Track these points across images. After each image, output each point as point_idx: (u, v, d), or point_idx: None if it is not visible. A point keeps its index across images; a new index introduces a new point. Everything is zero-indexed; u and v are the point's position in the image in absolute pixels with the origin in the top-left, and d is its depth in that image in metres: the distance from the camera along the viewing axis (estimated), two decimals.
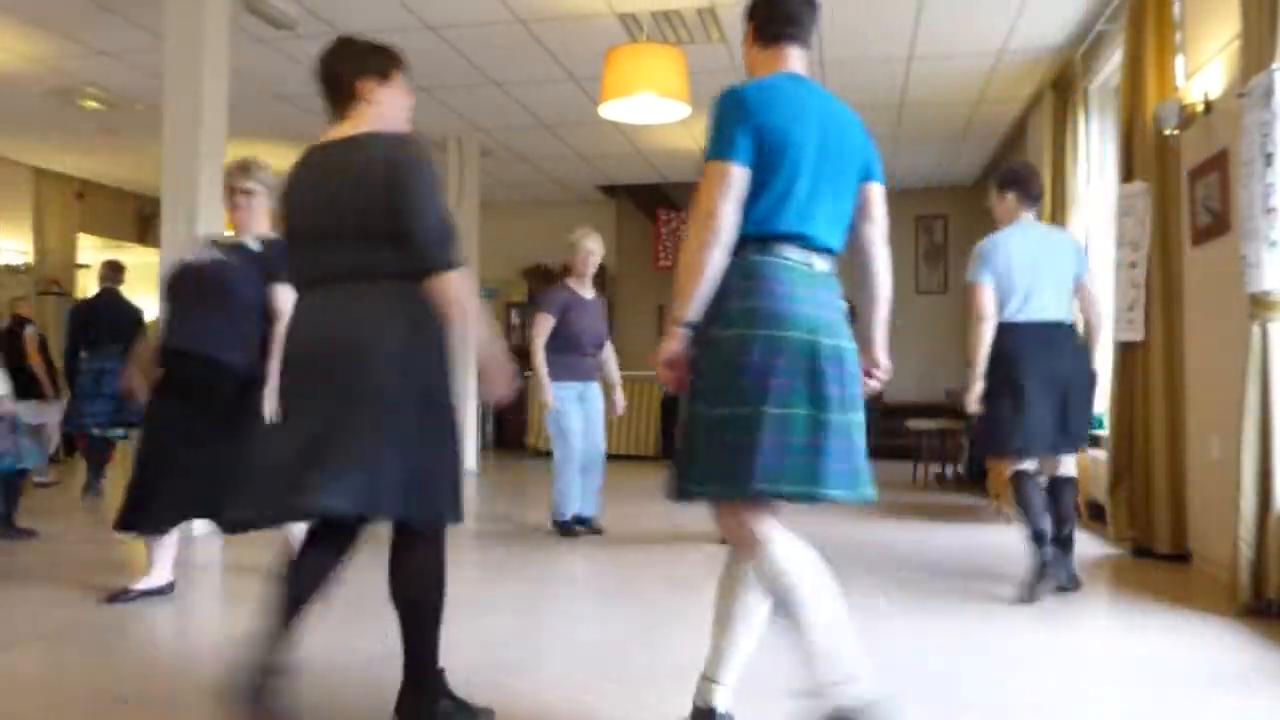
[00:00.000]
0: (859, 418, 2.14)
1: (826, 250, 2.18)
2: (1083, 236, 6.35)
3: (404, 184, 2.20)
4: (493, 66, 6.97)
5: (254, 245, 3.95)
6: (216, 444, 3.47)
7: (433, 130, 8.67)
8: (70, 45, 6.53)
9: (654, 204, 11.44)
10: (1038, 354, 3.81)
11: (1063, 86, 6.58)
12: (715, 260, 2.08)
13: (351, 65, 2.42)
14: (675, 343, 2.09)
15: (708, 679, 2.31)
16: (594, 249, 5.35)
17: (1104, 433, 5.26)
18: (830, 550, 4.89)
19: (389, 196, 2.19)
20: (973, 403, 3.90)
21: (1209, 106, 4.28)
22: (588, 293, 5.39)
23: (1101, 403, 4.76)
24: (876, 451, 7.97)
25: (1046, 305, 3.86)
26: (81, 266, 10.82)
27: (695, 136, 8.90)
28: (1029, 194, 4.02)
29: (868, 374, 2.32)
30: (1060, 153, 6.51)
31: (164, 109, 5.40)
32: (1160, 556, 4.50)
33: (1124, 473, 4.86)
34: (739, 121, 2.19)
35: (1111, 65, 5.92)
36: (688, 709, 2.39)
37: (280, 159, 11.16)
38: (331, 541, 2.29)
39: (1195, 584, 4.06)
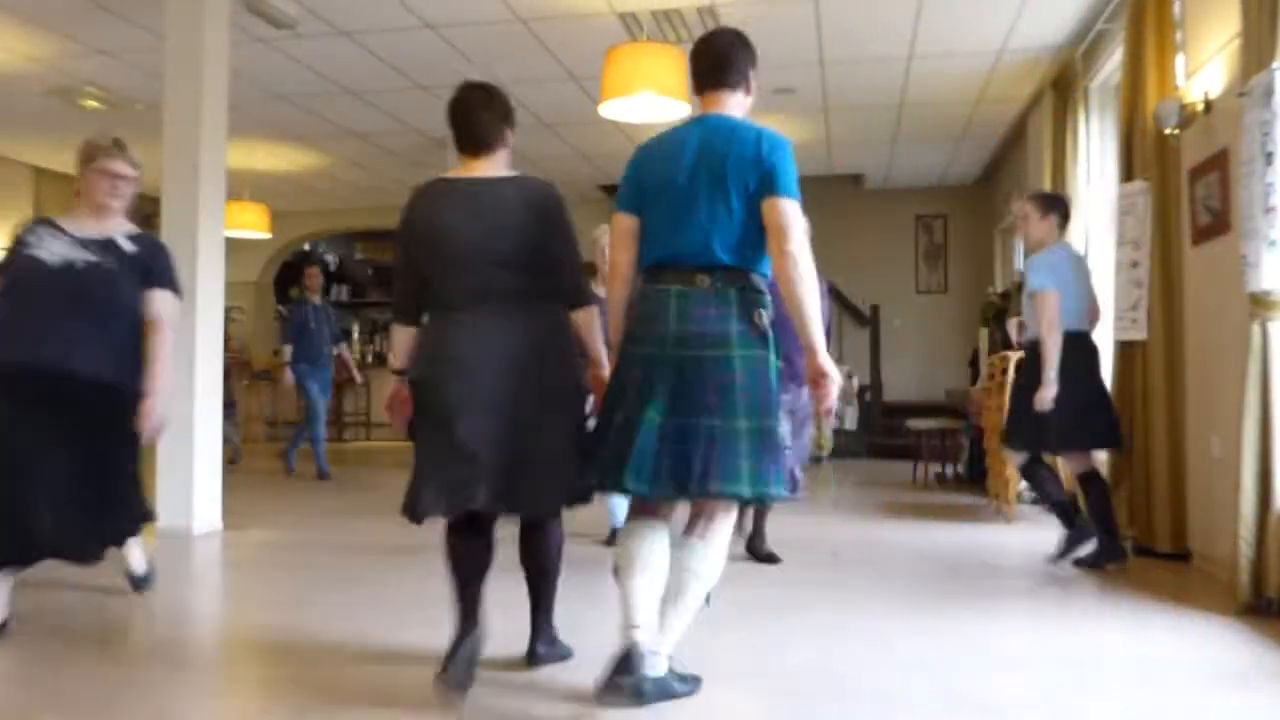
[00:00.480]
0: (733, 423, 2.34)
1: (710, 266, 2.43)
2: (1083, 236, 6.36)
3: (559, 223, 2.66)
4: (493, 65, 6.96)
5: (128, 245, 3.33)
6: (73, 473, 3.15)
7: (433, 129, 8.67)
8: (70, 45, 6.53)
9: None
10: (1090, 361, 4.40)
11: (1063, 86, 6.58)
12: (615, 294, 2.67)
13: (500, 115, 2.85)
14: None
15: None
16: None
17: None
18: (829, 547, 4.91)
19: (547, 232, 2.60)
20: (1048, 402, 4.22)
21: (1209, 105, 4.28)
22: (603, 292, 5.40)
23: None
24: (877, 451, 7.98)
25: (1082, 317, 4.41)
26: None
27: None
28: (1067, 219, 4.61)
29: (813, 383, 2.42)
30: (1060, 152, 6.51)
31: (164, 109, 5.40)
32: (1160, 555, 4.50)
33: (1124, 472, 4.86)
34: (624, 177, 2.66)
35: (1112, 64, 5.91)
36: (687, 711, 2.39)
37: (280, 159, 11.22)
38: (478, 529, 2.68)
39: (1195, 583, 4.06)
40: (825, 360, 2.40)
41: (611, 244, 2.63)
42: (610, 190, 11.38)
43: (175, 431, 5.28)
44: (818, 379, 2.40)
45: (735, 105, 2.71)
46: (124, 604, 3.63)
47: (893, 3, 5.86)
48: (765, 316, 2.44)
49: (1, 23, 6.16)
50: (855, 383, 10.17)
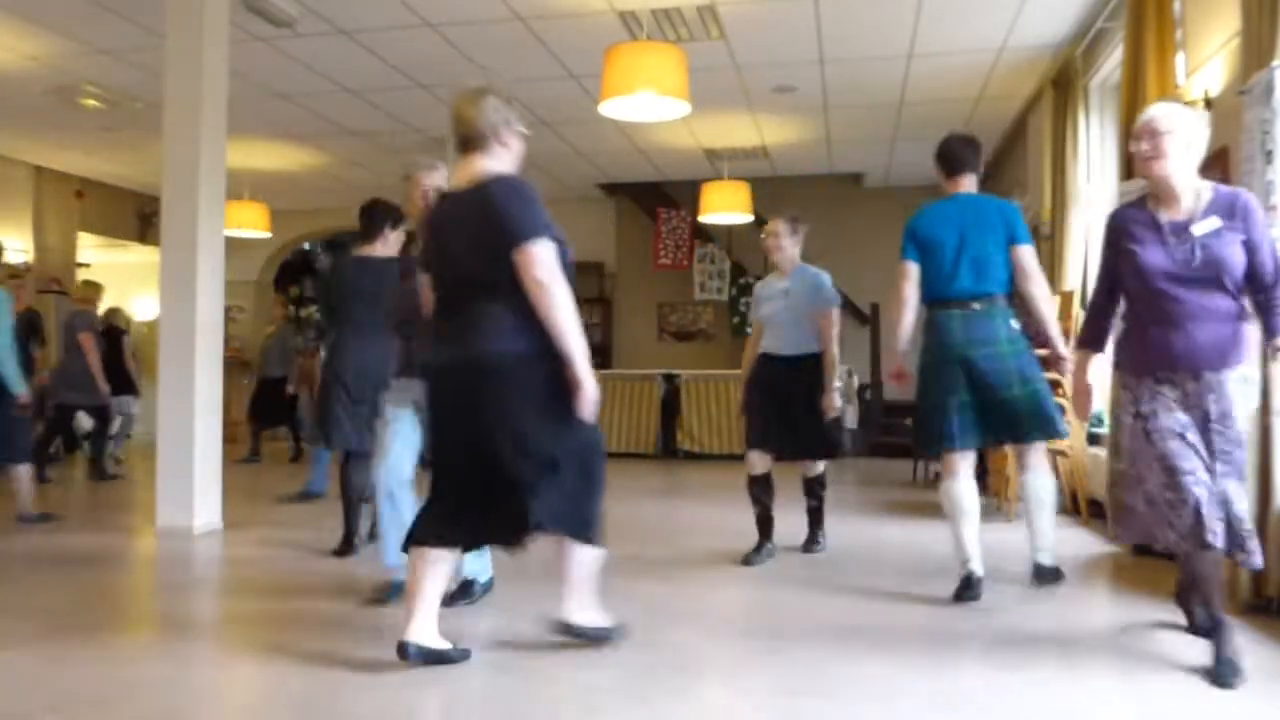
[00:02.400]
0: (1025, 389, 3.71)
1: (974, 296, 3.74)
2: (1083, 235, 6.35)
3: None
4: (493, 64, 6.96)
5: None
6: None
7: (433, 129, 8.67)
8: (70, 44, 6.53)
9: (654, 202, 11.44)
10: None
11: (1063, 84, 6.58)
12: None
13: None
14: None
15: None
16: None
17: (1104, 431, 5.26)
18: (830, 546, 4.91)
19: None
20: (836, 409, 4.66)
21: (1209, 104, 4.28)
22: None
23: (1101, 401, 4.75)
24: (876, 450, 7.96)
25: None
26: (82, 265, 10.83)
27: (695, 135, 8.89)
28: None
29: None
30: (1060, 151, 6.51)
31: (164, 107, 5.40)
32: (1160, 555, 4.49)
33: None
34: (906, 235, 3.90)
35: (1112, 62, 5.91)
36: (687, 711, 2.39)
37: (280, 158, 11.24)
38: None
39: None
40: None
41: (899, 282, 3.84)
42: (610, 189, 11.40)
43: (175, 431, 5.29)
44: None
45: (969, 184, 3.97)
46: (124, 604, 3.63)
47: (893, 2, 5.86)
48: (1015, 323, 3.74)
49: (1, 22, 6.16)
50: (855, 381, 10.17)
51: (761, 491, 4.62)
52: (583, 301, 11.70)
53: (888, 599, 3.79)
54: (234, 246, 6.84)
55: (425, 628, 2.81)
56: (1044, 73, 6.98)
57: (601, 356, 11.69)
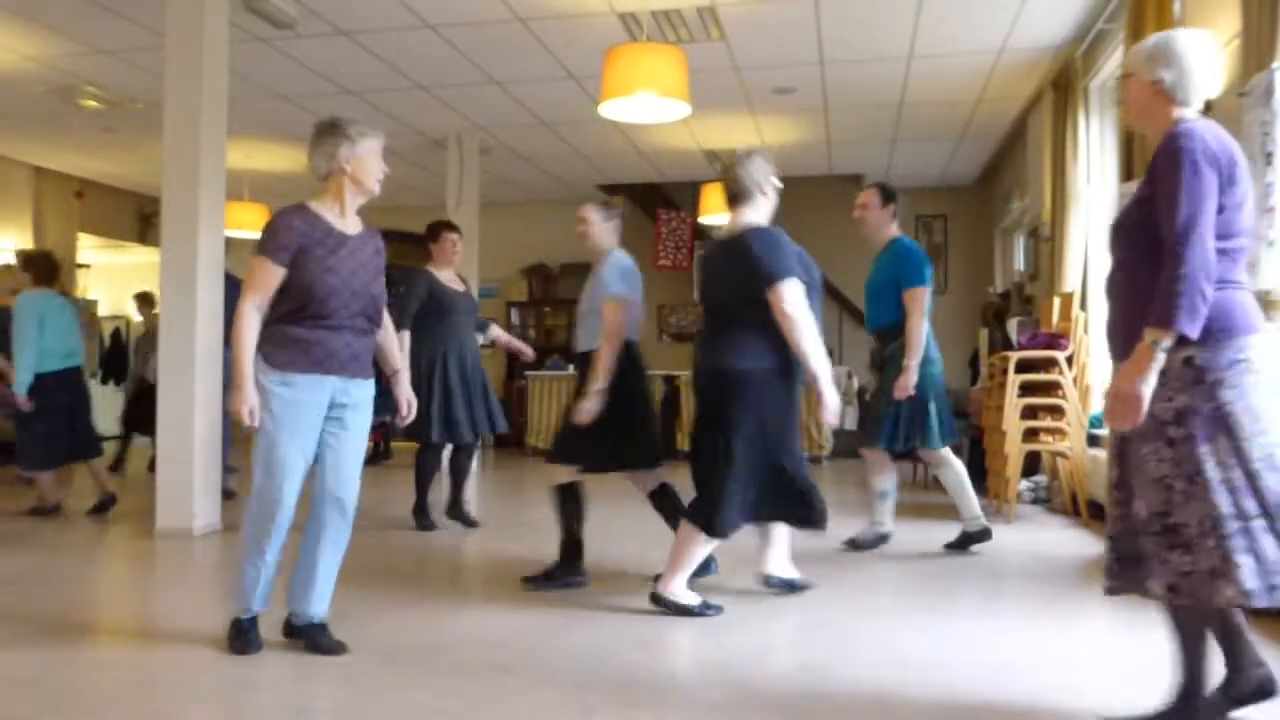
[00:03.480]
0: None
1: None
2: (1084, 235, 6.36)
3: None
4: (493, 65, 6.97)
5: None
6: None
7: (433, 129, 8.67)
8: (70, 44, 6.53)
9: (654, 203, 11.43)
10: None
11: (1063, 85, 6.58)
12: None
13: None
14: None
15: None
16: None
17: (1104, 431, 5.26)
18: (830, 547, 4.91)
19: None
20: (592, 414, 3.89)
21: (1209, 105, 4.27)
22: None
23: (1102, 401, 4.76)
24: None
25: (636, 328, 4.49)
26: (82, 266, 10.83)
27: (695, 136, 8.90)
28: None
29: None
30: (1060, 151, 6.51)
31: (164, 108, 5.40)
32: None
33: None
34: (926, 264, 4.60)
35: (1112, 64, 5.92)
36: (684, 714, 2.38)
37: (280, 159, 11.22)
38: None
39: None
40: None
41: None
42: (610, 189, 11.38)
43: (175, 432, 5.29)
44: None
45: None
46: (123, 604, 3.63)
47: (893, 3, 5.86)
48: None
49: (1, 23, 6.16)
50: (855, 383, 10.16)
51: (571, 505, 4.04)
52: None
53: (889, 599, 3.78)
54: (234, 247, 6.84)
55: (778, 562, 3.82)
56: (1044, 74, 6.98)
57: None
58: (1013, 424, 5.68)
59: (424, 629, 3.31)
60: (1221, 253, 2.15)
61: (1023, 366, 5.78)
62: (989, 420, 6.40)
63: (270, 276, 2.93)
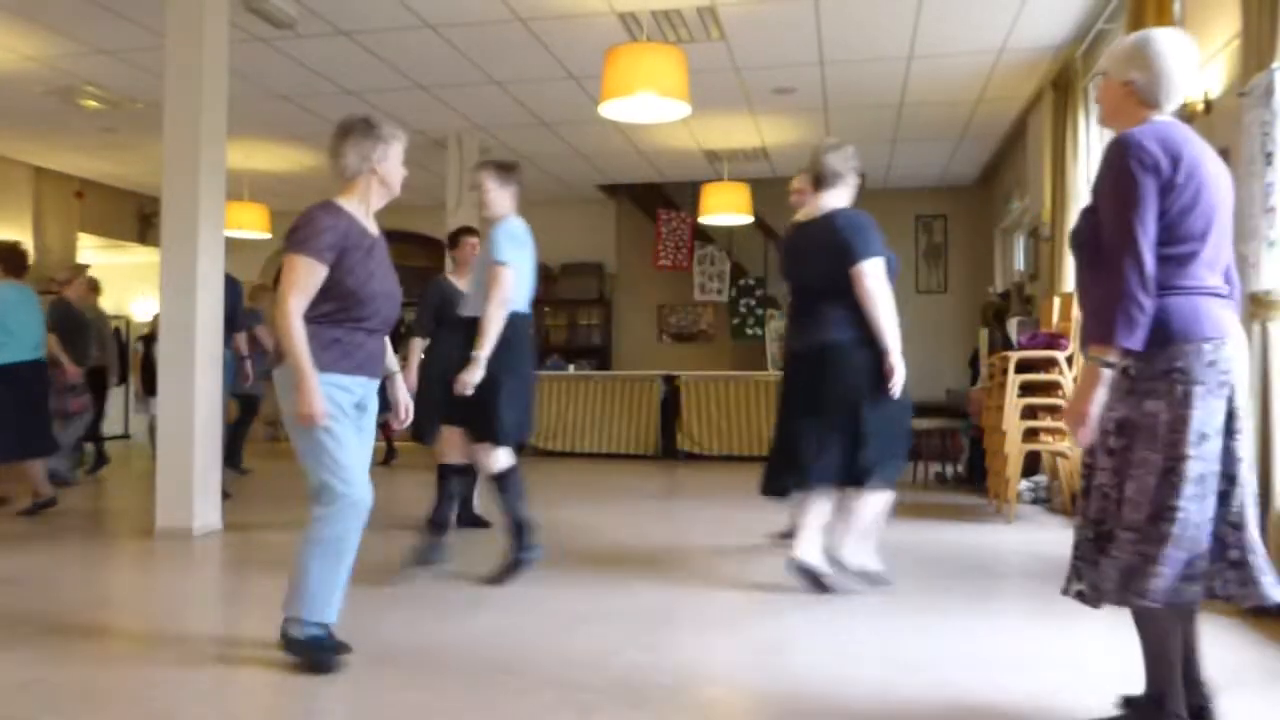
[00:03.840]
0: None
1: None
2: None
3: None
4: (493, 65, 6.96)
5: None
6: None
7: (433, 129, 8.67)
8: (70, 44, 6.53)
9: (654, 203, 11.43)
10: None
11: (1063, 85, 6.58)
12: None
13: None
14: None
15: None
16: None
17: None
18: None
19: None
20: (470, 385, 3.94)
21: (1209, 105, 4.28)
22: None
23: None
24: None
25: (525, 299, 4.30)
26: (82, 266, 10.81)
27: (695, 136, 8.89)
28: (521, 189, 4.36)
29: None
30: (1060, 152, 6.51)
31: (164, 108, 5.40)
32: None
33: None
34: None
35: None
36: (684, 714, 2.38)
37: (280, 159, 11.22)
38: None
39: None
40: None
41: None
42: (610, 190, 11.38)
43: (175, 432, 5.29)
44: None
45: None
46: (123, 604, 3.63)
47: (893, 3, 5.86)
48: None
49: (1, 23, 6.16)
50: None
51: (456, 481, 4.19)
52: (581, 302, 11.75)
53: (889, 599, 3.78)
54: (234, 247, 6.84)
55: (810, 549, 3.81)
56: (1044, 74, 6.98)
57: (601, 357, 11.70)
58: (1013, 424, 5.68)
59: (424, 629, 3.31)
60: (1166, 259, 2.13)
61: (1023, 366, 5.78)
62: (989, 420, 6.40)
63: (315, 277, 2.83)
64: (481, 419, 3.94)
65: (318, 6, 5.86)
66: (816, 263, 3.77)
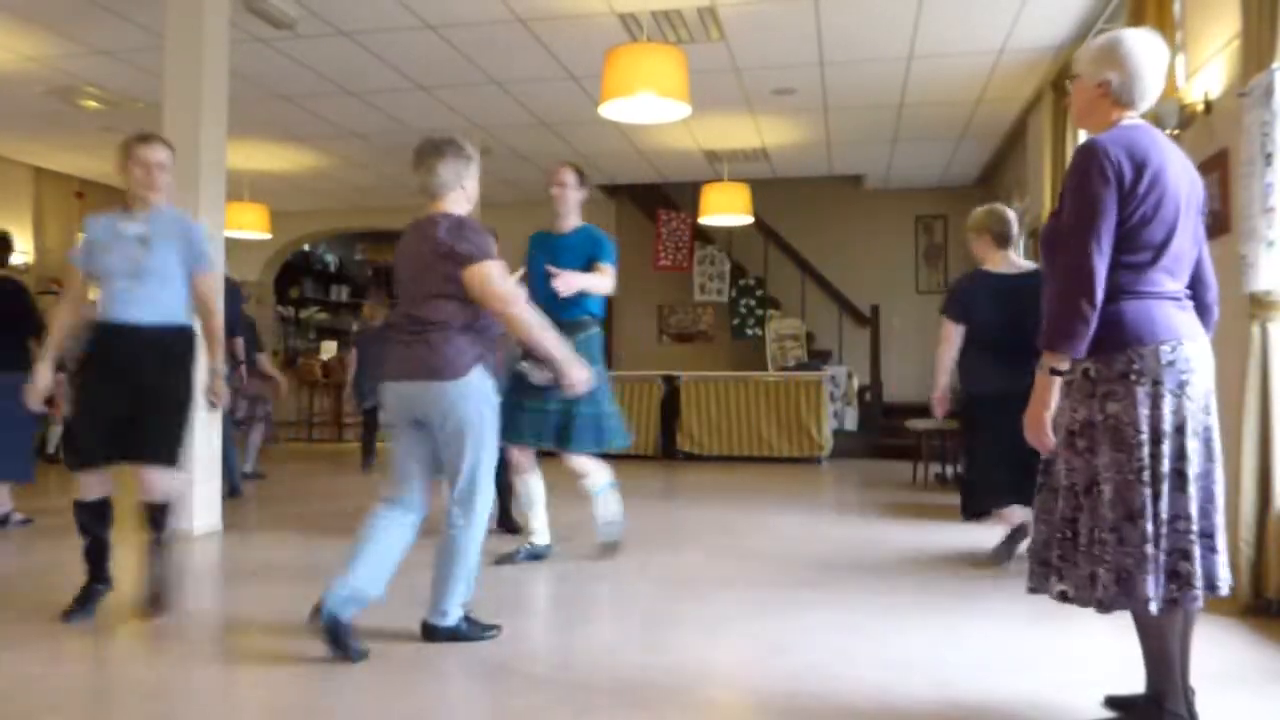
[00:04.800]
0: None
1: None
2: None
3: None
4: (493, 66, 6.97)
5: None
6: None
7: (433, 131, 8.66)
8: (70, 44, 6.53)
9: (654, 204, 11.44)
10: None
11: (1063, 86, 6.58)
12: None
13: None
14: None
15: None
16: None
17: None
18: (830, 549, 4.91)
19: None
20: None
21: (1209, 106, 4.28)
22: None
23: None
24: (876, 451, 7.93)
25: None
26: None
27: (695, 136, 8.90)
28: None
29: None
30: (1060, 152, 6.52)
31: (164, 109, 5.40)
32: None
33: None
34: None
35: None
36: (683, 715, 2.38)
37: (280, 159, 11.21)
38: None
39: None
40: None
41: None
42: (610, 190, 11.39)
43: None
44: None
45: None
46: (123, 605, 3.63)
47: (893, 3, 5.86)
48: None
49: (1, 23, 6.16)
50: (855, 383, 10.17)
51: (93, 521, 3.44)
52: None
53: (888, 600, 3.78)
54: (234, 247, 6.85)
55: None
56: (1044, 75, 6.98)
57: None
58: None
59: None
60: (1125, 265, 2.16)
61: None
62: None
63: None
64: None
65: (318, 7, 5.86)
66: (1035, 315, 3.84)
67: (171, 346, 3.41)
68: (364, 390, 8.10)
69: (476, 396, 2.99)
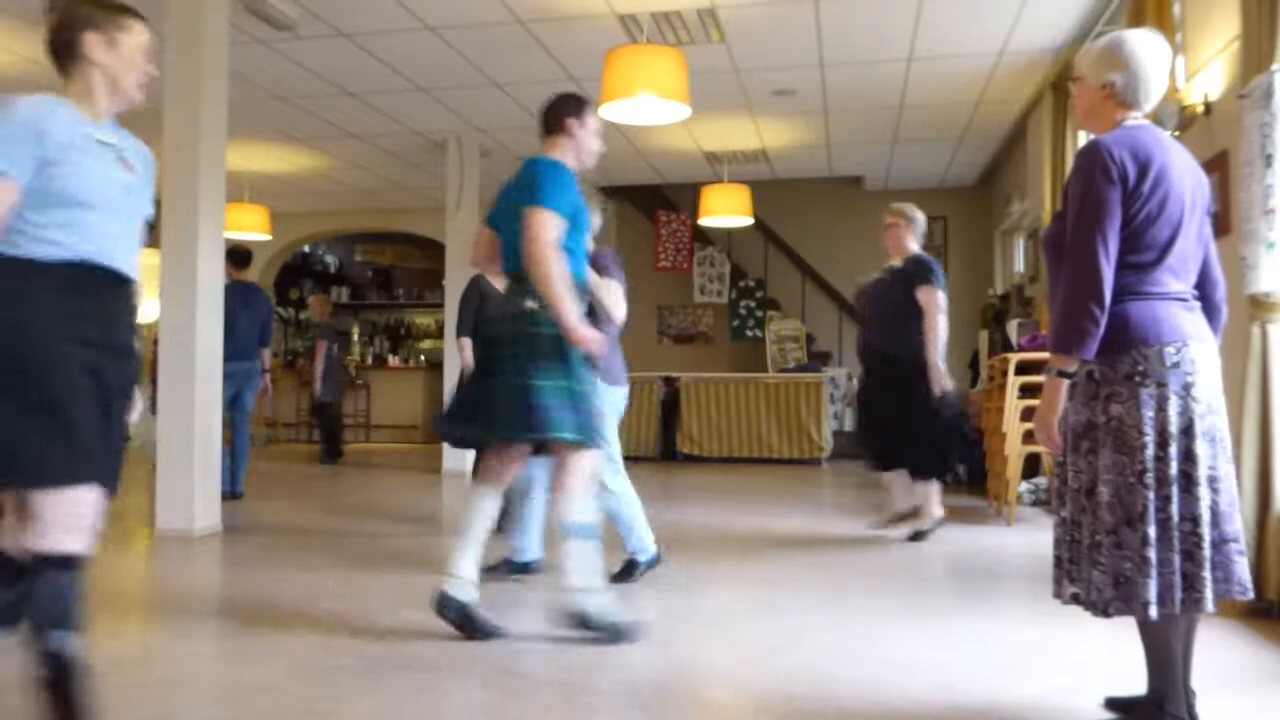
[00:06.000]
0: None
1: None
2: None
3: None
4: (493, 67, 6.97)
5: None
6: None
7: (433, 131, 8.67)
8: None
9: (654, 205, 11.45)
10: None
11: (1063, 88, 6.58)
12: None
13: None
14: None
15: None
16: None
17: None
18: (830, 549, 4.91)
19: None
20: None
21: (1209, 107, 4.28)
22: None
23: None
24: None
25: None
26: None
27: (695, 138, 8.90)
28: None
29: None
30: (1060, 154, 6.52)
31: (164, 110, 5.40)
32: None
33: None
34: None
35: None
36: (682, 715, 2.38)
37: (280, 161, 11.22)
38: None
39: None
40: None
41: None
42: (609, 192, 11.39)
43: (175, 433, 5.29)
44: None
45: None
46: (123, 604, 3.63)
47: (893, 4, 5.86)
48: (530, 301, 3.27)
49: (2, 24, 6.17)
50: (855, 384, 10.16)
51: None
52: None
53: (888, 600, 3.78)
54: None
55: None
56: (1044, 76, 6.99)
57: None
58: (1013, 426, 5.68)
59: (424, 628, 3.30)
60: (1130, 266, 2.15)
61: (1023, 368, 5.78)
62: (989, 422, 6.40)
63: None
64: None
65: (318, 8, 5.86)
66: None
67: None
68: (328, 386, 8.89)
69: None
